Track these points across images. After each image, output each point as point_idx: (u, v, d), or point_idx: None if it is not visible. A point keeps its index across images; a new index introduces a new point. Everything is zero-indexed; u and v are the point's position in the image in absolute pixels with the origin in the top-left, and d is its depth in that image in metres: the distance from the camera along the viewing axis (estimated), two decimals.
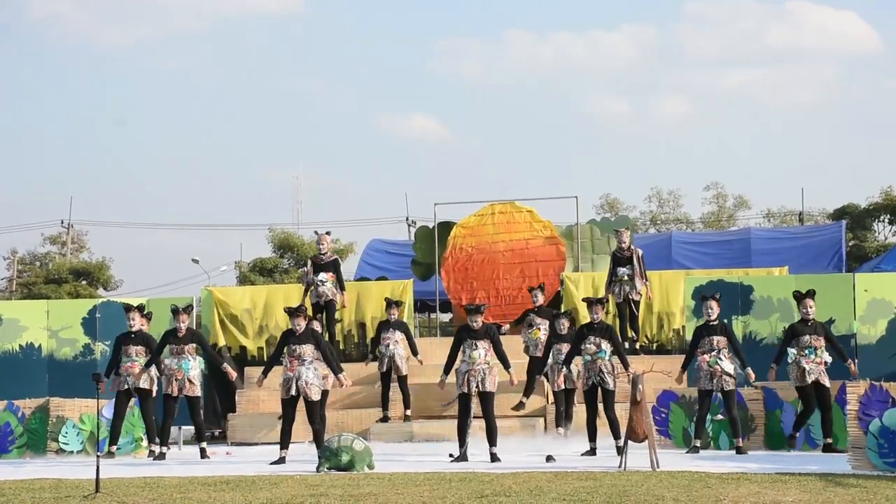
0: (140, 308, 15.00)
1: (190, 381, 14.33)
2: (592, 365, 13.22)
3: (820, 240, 25.74)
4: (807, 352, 13.67)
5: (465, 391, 13.09)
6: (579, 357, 13.58)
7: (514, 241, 20.25)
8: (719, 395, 13.75)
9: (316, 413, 13.30)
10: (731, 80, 73.73)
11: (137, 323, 14.69)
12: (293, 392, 13.11)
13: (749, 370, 13.63)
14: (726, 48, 73.28)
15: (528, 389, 16.07)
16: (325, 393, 13.80)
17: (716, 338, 13.73)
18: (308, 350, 13.21)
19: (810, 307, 13.85)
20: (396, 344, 16.38)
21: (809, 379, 13.56)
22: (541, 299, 16.47)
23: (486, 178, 70.57)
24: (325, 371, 13.64)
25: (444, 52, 77.40)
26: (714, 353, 13.67)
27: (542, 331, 16.06)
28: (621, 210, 49.67)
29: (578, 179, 72.38)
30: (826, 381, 13.55)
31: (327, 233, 17.92)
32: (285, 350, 13.30)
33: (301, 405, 13.19)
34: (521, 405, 16.05)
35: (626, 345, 16.55)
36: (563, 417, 15.26)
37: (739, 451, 13.48)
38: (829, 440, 13.52)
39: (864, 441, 11.25)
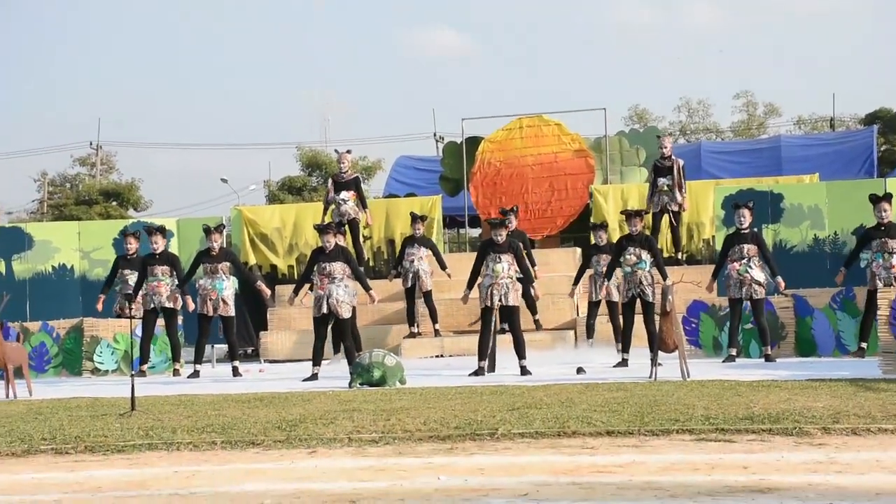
0: (161, 230, 15.03)
1: (224, 301, 14.41)
2: (632, 276, 13.11)
3: (851, 146, 25.49)
4: (876, 256, 13.58)
5: (488, 305, 13.08)
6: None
7: (543, 155, 20.15)
8: (749, 303, 13.70)
9: (347, 330, 13.37)
10: None
11: (161, 245, 14.76)
12: (324, 310, 13.18)
13: (779, 279, 13.56)
14: None
15: (532, 307, 16.03)
16: (354, 309, 13.86)
17: (746, 246, 13.64)
18: (338, 268, 13.24)
19: (885, 210, 13.67)
20: (421, 260, 16.36)
21: (879, 284, 13.42)
22: (513, 223, 15.94)
23: (513, 92, 70.11)
24: (355, 287, 13.71)
25: None
26: (744, 261, 13.59)
27: None
28: (650, 121, 49.28)
29: (606, 91, 71.83)
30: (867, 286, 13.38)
31: (348, 151, 17.79)
32: (315, 268, 13.34)
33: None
34: (537, 324, 16.06)
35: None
36: (592, 330, 15.27)
37: (768, 358, 13.48)
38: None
39: (894, 346, 11.21)
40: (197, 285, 14.56)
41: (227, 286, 14.49)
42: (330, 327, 13.65)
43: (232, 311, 14.55)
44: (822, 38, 72.98)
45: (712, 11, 75.08)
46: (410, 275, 16.33)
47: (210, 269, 14.47)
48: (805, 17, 72.77)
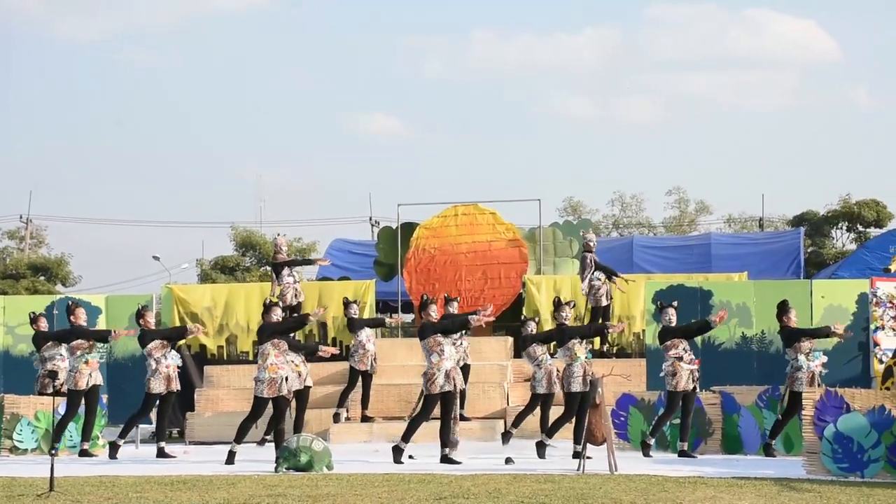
0: (83, 305, 14.77)
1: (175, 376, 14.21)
2: (583, 366, 13.19)
3: (779, 246, 25.98)
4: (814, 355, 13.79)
5: (451, 389, 12.76)
6: (559, 361, 13.57)
7: (477, 243, 20.29)
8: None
9: (292, 408, 13.21)
10: (693, 84, 74.12)
11: (82, 320, 14.48)
12: (296, 386, 13.14)
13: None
14: (688, 53, 73.71)
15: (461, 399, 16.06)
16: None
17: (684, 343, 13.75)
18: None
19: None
20: (370, 340, 16.36)
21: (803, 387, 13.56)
22: (455, 309, 15.96)
23: (449, 179, 70.64)
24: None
25: (408, 50, 77.37)
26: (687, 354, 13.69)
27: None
28: (584, 213, 49.83)
29: (542, 182, 72.51)
30: (798, 388, 13.48)
31: (282, 235, 18.57)
32: (277, 346, 12.93)
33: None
34: (462, 416, 15.97)
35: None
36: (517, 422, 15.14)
37: (683, 454, 13.50)
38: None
39: (818, 446, 11.35)
40: (154, 365, 14.12)
41: (176, 356, 14.30)
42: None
43: (177, 386, 14.26)
44: (753, 140, 74.64)
45: (648, 108, 76.55)
46: (369, 357, 16.22)
47: (160, 345, 14.10)
48: (737, 118, 74.47)
